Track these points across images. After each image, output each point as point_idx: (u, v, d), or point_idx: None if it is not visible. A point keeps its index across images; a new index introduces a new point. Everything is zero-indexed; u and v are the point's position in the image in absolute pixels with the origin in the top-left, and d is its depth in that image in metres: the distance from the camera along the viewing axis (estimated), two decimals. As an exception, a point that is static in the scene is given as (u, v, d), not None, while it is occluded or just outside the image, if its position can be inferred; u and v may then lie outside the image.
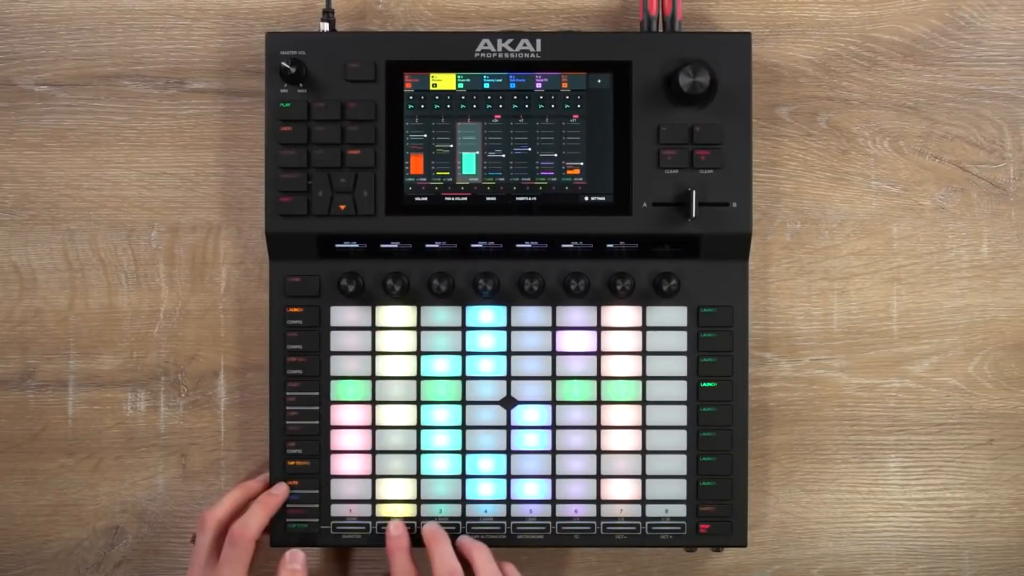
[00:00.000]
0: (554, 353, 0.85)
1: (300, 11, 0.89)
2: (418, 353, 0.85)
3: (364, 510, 0.85)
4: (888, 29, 0.90)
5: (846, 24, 0.90)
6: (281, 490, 0.84)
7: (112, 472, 0.90)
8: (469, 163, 0.84)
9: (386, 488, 0.85)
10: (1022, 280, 0.89)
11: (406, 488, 0.85)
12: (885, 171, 0.90)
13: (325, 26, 0.85)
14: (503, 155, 0.84)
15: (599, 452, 0.85)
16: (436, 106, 0.84)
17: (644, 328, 0.85)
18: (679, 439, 0.85)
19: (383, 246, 0.85)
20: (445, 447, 0.85)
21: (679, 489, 0.85)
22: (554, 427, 0.85)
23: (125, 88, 0.89)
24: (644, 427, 0.85)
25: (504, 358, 0.85)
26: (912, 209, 0.90)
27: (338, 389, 0.85)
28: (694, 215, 0.82)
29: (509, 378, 0.85)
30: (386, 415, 0.85)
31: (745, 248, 0.84)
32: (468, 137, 0.84)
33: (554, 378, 0.85)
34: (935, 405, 0.90)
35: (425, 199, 0.84)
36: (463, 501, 0.85)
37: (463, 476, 0.85)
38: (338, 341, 0.85)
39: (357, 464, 0.85)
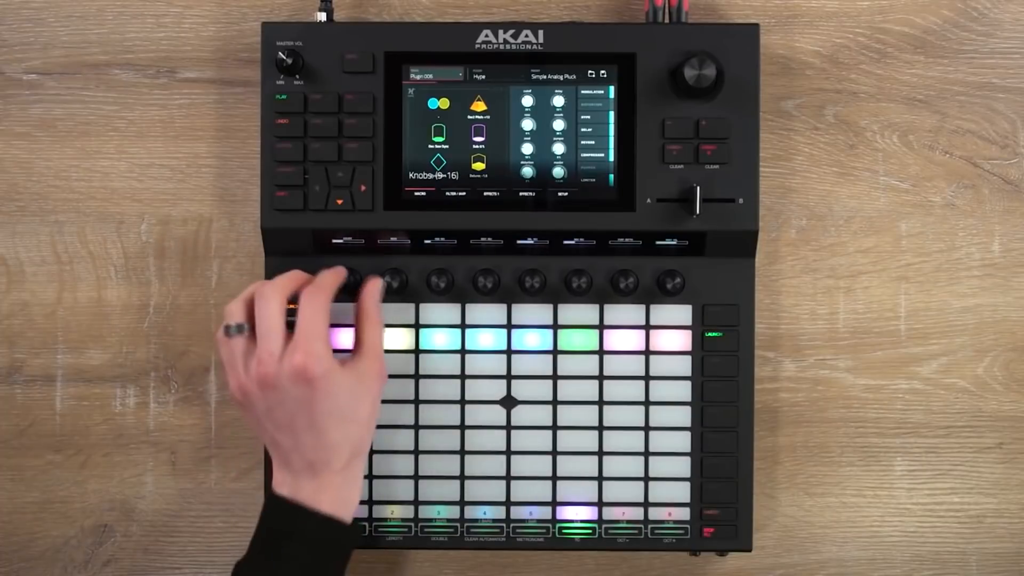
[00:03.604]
0: (555, 352, 0.84)
1: (295, -1, 0.88)
2: (416, 351, 0.84)
3: (361, 511, 0.84)
4: (898, 20, 0.88)
5: (855, 15, 0.88)
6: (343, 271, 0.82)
7: (100, 469, 0.89)
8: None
9: (383, 489, 0.84)
10: (1033, 279, 0.89)
11: (403, 489, 0.84)
12: (894, 166, 0.88)
13: (322, 16, 0.84)
14: (504, 149, 0.83)
15: (601, 453, 0.84)
16: (436, 99, 0.82)
17: (648, 327, 0.84)
18: (683, 440, 0.84)
19: (381, 242, 0.84)
20: (444, 447, 0.84)
21: (683, 492, 0.84)
22: (555, 427, 0.84)
23: (115, 77, 0.88)
24: (647, 428, 0.84)
25: (504, 356, 0.84)
26: (921, 206, 0.88)
27: (334, 387, 0.84)
28: (698, 211, 0.80)
29: (509, 377, 0.84)
30: (384, 414, 0.84)
31: (751, 245, 0.83)
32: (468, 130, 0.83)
33: (555, 377, 0.84)
34: (943, 407, 0.89)
35: (424, 194, 0.82)
36: (462, 502, 0.84)
37: (462, 477, 0.84)
38: (335, 339, 0.84)
39: (353, 464, 0.84)
